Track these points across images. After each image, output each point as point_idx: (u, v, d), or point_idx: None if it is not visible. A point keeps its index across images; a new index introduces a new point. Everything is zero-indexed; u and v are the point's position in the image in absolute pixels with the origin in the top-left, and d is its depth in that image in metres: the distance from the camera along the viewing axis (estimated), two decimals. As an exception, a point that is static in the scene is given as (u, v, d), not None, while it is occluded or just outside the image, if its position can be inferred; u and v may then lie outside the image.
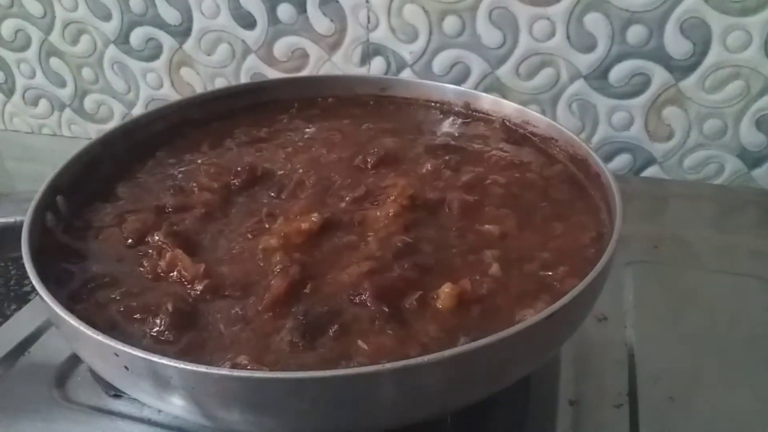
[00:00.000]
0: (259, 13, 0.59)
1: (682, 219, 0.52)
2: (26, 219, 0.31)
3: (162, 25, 0.62)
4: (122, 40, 0.64)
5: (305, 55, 0.61)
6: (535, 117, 0.42)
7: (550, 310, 0.26)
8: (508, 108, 0.43)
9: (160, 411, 0.33)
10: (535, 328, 0.25)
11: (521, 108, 0.43)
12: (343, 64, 0.60)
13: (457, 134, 0.43)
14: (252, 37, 0.61)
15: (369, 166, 0.39)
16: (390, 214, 0.33)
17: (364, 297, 0.29)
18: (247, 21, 0.60)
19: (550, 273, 0.31)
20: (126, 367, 0.25)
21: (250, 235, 0.33)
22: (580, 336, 0.31)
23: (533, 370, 0.31)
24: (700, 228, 0.50)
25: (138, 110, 0.68)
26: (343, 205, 0.35)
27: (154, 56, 0.64)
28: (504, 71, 0.56)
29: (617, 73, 0.54)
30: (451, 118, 0.45)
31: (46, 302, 0.27)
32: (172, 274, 0.31)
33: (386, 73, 0.59)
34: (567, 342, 0.30)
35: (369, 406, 0.26)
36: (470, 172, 0.38)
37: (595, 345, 0.38)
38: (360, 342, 0.27)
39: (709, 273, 0.44)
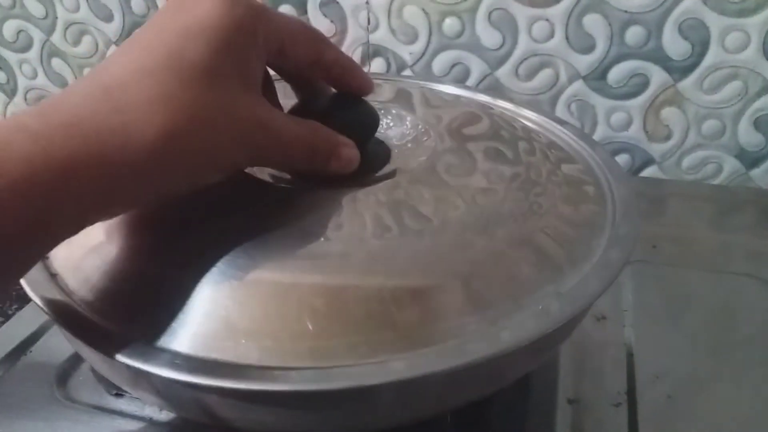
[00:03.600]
0: (259, 14, 0.59)
1: (680, 219, 0.52)
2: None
3: (162, 26, 0.62)
4: (124, 40, 0.64)
5: (305, 56, 0.61)
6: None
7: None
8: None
9: (161, 410, 0.33)
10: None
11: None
12: (343, 64, 0.60)
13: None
14: (252, 38, 0.61)
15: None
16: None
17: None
18: (247, 22, 0.60)
19: (550, 272, 0.31)
20: (127, 367, 0.25)
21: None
22: (578, 335, 0.31)
23: (532, 369, 0.32)
24: (699, 228, 0.50)
25: (138, 111, 0.68)
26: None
27: (155, 57, 0.64)
28: (503, 72, 0.57)
29: (616, 73, 0.54)
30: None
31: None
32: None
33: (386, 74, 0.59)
34: (566, 341, 0.31)
35: (367, 407, 0.26)
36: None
37: (593, 344, 0.38)
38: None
39: (708, 273, 0.44)
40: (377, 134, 0.34)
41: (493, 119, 0.38)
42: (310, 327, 0.25)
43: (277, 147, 0.27)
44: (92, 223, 0.24)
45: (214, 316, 0.26)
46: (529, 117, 0.42)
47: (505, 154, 0.34)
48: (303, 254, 0.27)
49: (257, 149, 0.26)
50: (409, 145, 0.35)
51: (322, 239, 0.27)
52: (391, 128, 0.36)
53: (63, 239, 0.23)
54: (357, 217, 0.28)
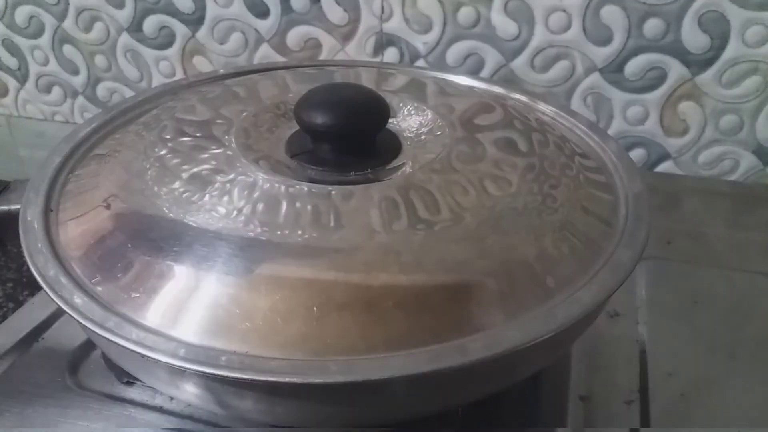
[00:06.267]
0: (272, 1, 0.59)
1: (695, 215, 0.51)
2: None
3: (175, 13, 0.62)
4: (135, 27, 0.64)
5: (318, 45, 0.60)
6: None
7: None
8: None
9: (172, 399, 0.33)
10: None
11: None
12: (356, 54, 0.60)
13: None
14: (265, 26, 0.60)
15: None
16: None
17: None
18: (260, 10, 0.60)
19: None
20: (141, 354, 0.25)
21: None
22: (591, 332, 0.31)
23: (545, 366, 0.31)
24: (714, 224, 0.49)
25: (150, 98, 0.68)
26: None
27: (167, 44, 0.64)
28: (518, 63, 0.56)
29: (633, 66, 0.54)
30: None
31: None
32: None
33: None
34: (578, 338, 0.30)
35: (380, 401, 0.26)
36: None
37: (606, 341, 0.38)
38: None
39: (723, 270, 0.44)
40: (389, 125, 0.33)
41: (507, 111, 0.37)
42: (318, 319, 0.25)
43: None
44: None
45: (225, 308, 0.26)
46: (543, 110, 0.41)
47: (518, 148, 0.33)
48: (313, 248, 0.27)
49: None
50: (423, 137, 0.34)
51: (333, 233, 0.27)
52: (404, 119, 0.36)
53: None
54: (367, 211, 0.28)
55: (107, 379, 0.35)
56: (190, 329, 0.25)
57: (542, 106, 0.42)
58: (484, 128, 0.35)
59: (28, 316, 0.40)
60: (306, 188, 0.29)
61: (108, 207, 0.30)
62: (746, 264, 0.44)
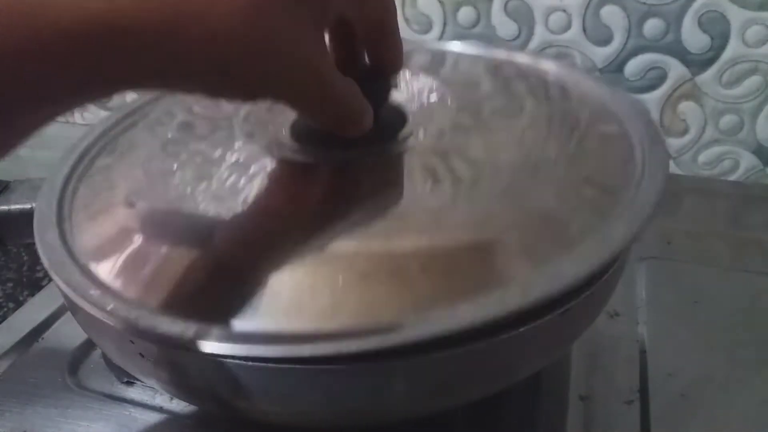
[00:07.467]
0: (272, 2, 0.59)
1: (695, 215, 0.51)
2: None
3: (175, 13, 0.62)
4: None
5: (318, 45, 0.60)
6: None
7: (564, 307, 0.25)
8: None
9: (172, 399, 0.33)
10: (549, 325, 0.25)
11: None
12: (356, 54, 0.60)
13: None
14: (265, 26, 0.60)
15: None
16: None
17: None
18: (260, 10, 0.60)
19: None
20: (141, 354, 0.25)
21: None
22: (591, 332, 0.31)
23: (544, 365, 0.31)
24: (714, 224, 0.49)
25: (150, 98, 0.68)
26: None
27: (167, 44, 0.64)
28: (518, 63, 0.56)
29: (633, 66, 0.54)
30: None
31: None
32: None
33: (399, 64, 0.59)
34: (578, 338, 0.30)
35: (377, 399, 0.26)
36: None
37: (606, 341, 0.38)
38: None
39: (723, 270, 0.44)
40: (393, 97, 0.33)
41: (512, 71, 0.37)
42: (344, 289, 0.24)
43: (322, 99, 0.26)
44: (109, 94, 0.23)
45: (252, 293, 0.25)
46: (547, 68, 0.40)
47: (524, 106, 0.33)
48: (348, 222, 0.26)
49: (303, 94, 0.25)
50: (428, 104, 0.34)
51: (350, 207, 0.27)
52: (408, 89, 0.35)
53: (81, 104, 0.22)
54: (379, 182, 0.28)
55: (107, 379, 0.35)
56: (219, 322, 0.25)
57: (547, 65, 0.40)
58: (491, 90, 0.34)
59: (28, 316, 0.40)
60: (325, 168, 0.29)
61: (125, 205, 0.30)
62: (747, 264, 0.44)
